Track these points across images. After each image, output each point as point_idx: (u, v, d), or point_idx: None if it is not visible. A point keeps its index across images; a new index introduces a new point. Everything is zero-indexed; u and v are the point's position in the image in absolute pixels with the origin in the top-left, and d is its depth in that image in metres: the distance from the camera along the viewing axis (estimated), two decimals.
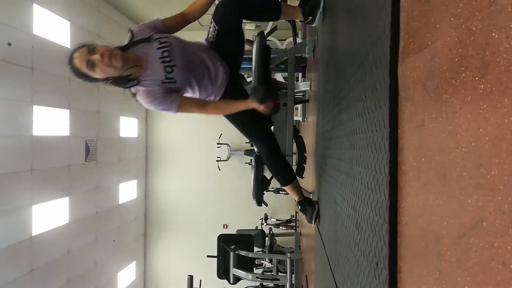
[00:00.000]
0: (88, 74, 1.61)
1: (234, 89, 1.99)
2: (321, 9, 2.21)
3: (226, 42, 2.01)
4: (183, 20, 1.99)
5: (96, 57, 1.52)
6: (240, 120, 2.05)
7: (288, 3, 2.75)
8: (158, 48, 1.73)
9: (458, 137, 0.52)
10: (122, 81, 1.68)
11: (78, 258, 6.62)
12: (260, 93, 1.78)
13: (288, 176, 2.32)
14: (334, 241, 1.55)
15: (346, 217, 1.23)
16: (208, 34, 2.02)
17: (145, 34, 1.77)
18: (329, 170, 1.84)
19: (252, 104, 1.79)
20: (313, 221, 2.33)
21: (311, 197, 2.65)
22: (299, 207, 2.45)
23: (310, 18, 2.27)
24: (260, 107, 1.78)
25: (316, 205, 2.35)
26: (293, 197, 2.49)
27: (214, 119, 9.24)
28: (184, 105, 1.82)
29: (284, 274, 4.38)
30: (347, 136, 1.27)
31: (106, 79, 1.63)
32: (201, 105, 1.90)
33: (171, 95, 1.76)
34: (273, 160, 2.23)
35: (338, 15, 1.59)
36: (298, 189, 2.40)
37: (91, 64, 1.55)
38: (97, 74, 1.59)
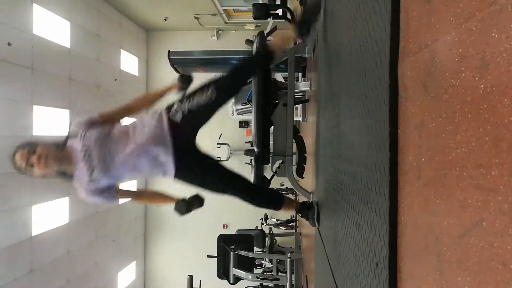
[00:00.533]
0: (27, 171, 1.75)
1: (190, 163, 1.95)
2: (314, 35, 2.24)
3: (189, 132, 1.97)
4: (126, 113, 2.02)
5: (34, 159, 1.69)
6: (205, 186, 2.02)
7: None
8: (82, 147, 1.79)
9: (458, 137, 0.52)
10: (60, 176, 1.83)
11: (78, 258, 6.62)
12: (184, 209, 1.94)
13: (277, 201, 2.28)
14: (334, 241, 1.55)
15: (346, 217, 1.23)
16: (173, 108, 1.89)
17: (78, 129, 1.84)
18: (329, 170, 1.84)
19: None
20: (316, 223, 2.33)
21: (309, 198, 2.65)
22: (300, 215, 2.47)
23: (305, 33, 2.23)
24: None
25: (316, 206, 2.35)
26: (291, 211, 2.51)
27: (214, 119, 9.24)
28: (122, 195, 1.98)
29: (284, 274, 4.38)
30: (347, 136, 1.27)
31: (43, 175, 1.77)
32: (136, 196, 2.11)
33: (104, 192, 1.87)
34: (256, 199, 2.18)
35: (338, 15, 1.59)
36: (291, 203, 2.41)
37: (30, 164, 1.70)
38: (35, 173, 1.74)
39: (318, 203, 2.36)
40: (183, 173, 1.91)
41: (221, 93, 1.89)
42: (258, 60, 2.22)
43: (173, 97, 2.00)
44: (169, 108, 1.90)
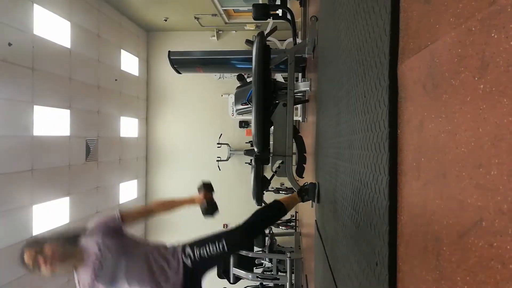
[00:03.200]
0: (36, 272, 1.74)
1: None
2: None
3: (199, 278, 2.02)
4: (146, 214, 2.09)
5: (41, 262, 1.69)
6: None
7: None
8: (95, 254, 1.78)
9: (458, 137, 0.52)
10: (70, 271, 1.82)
11: None
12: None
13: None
14: (334, 241, 1.55)
15: (346, 217, 1.23)
16: (186, 250, 1.96)
17: (96, 231, 1.82)
18: (329, 169, 1.84)
19: None
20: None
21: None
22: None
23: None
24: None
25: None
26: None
27: (214, 119, 9.27)
28: None
29: (284, 274, 4.38)
30: (347, 135, 1.27)
31: (53, 274, 1.76)
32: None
33: None
34: (256, 231, 2.30)
35: (338, 16, 1.59)
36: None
37: (37, 265, 1.71)
38: (44, 273, 1.74)
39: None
40: None
41: (231, 248, 1.99)
42: (271, 216, 2.35)
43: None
44: (183, 248, 1.96)
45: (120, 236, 1.87)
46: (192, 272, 1.92)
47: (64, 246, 1.75)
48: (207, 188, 2.14)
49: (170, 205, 2.12)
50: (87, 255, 1.77)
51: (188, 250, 1.94)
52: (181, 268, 1.89)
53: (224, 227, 9.18)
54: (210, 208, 2.09)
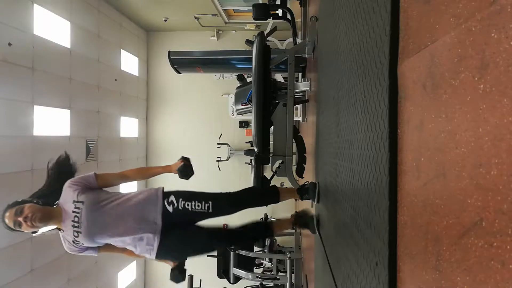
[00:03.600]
0: (16, 229, 1.81)
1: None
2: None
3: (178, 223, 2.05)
4: (122, 180, 2.10)
5: (21, 219, 1.76)
6: (190, 255, 2.14)
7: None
8: (73, 211, 1.87)
9: (458, 137, 0.52)
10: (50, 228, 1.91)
11: (78, 257, 6.61)
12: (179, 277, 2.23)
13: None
14: (334, 241, 1.55)
15: (346, 217, 1.23)
16: (170, 197, 2.02)
17: (71, 190, 1.90)
18: (329, 169, 1.84)
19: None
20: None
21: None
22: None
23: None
24: None
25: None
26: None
27: (214, 119, 9.27)
28: (103, 251, 2.06)
29: (284, 274, 4.38)
30: (347, 135, 1.27)
31: (33, 232, 1.86)
32: (120, 250, 2.09)
33: (86, 249, 2.00)
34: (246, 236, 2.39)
35: (338, 16, 1.59)
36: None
37: (18, 224, 1.78)
38: (24, 230, 1.81)
39: (319, 215, 2.37)
40: (164, 255, 2.02)
41: (215, 212, 2.07)
42: (262, 197, 2.41)
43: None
44: (166, 194, 2.03)
45: (95, 192, 1.94)
46: (171, 218, 1.98)
47: (44, 207, 1.84)
48: (185, 159, 2.16)
49: (147, 171, 2.23)
50: (65, 214, 1.86)
51: (172, 198, 2.00)
52: (160, 209, 1.96)
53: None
54: (185, 170, 2.09)
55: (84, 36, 6.84)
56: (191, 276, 4.89)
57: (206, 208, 2.03)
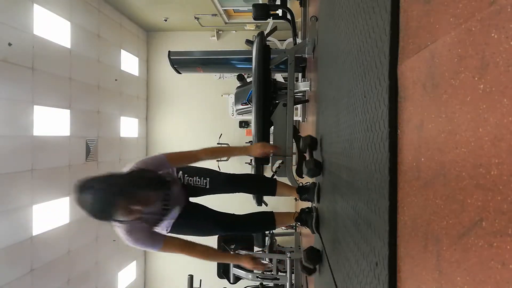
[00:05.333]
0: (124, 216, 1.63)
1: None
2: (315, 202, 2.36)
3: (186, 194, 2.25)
4: (191, 160, 2.09)
5: (136, 207, 1.62)
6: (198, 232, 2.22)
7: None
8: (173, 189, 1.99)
9: (458, 137, 0.52)
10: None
11: (79, 258, 6.62)
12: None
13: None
14: (334, 241, 1.55)
15: (346, 217, 1.23)
16: (179, 173, 2.21)
17: (161, 171, 1.92)
18: (328, 169, 1.84)
19: (243, 261, 2.18)
20: (314, 230, 2.30)
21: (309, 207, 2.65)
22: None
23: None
24: (251, 265, 2.17)
25: (313, 213, 2.33)
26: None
27: (214, 119, 9.26)
28: (168, 244, 1.94)
29: (284, 274, 4.38)
30: (347, 135, 1.27)
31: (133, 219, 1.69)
32: (186, 248, 1.99)
33: (155, 236, 1.91)
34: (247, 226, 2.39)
35: (338, 16, 1.59)
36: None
37: (130, 212, 1.61)
38: (131, 217, 1.65)
39: (317, 209, 2.34)
40: (176, 230, 2.09)
41: (211, 189, 2.23)
42: (259, 184, 2.50)
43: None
44: (177, 171, 2.20)
45: (173, 171, 2.15)
46: (181, 189, 2.17)
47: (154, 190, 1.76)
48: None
49: (218, 153, 2.35)
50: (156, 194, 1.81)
51: (180, 174, 2.21)
52: (180, 185, 2.17)
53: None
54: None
55: (84, 36, 6.84)
56: (191, 276, 4.89)
57: (203, 184, 2.21)
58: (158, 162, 1.90)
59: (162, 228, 2.06)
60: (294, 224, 2.48)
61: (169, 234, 2.06)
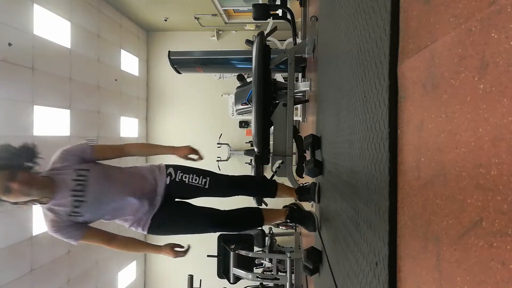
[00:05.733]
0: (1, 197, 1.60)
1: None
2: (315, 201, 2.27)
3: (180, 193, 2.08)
4: (118, 153, 1.97)
5: (15, 186, 1.56)
6: (180, 231, 2.07)
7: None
8: (74, 180, 1.73)
9: (458, 137, 0.52)
10: (31, 202, 1.70)
11: (79, 258, 6.62)
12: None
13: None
14: (334, 241, 1.55)
15: (346, 217, 1.23)
16: (169, 169, 2.04)
17: (67, 162, 1.77)
18: (329, 169, 1.85)
19: (163, 251, 1.99)
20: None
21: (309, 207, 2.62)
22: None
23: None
24: (171, 254, 2.00)
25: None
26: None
27: (214, 119, 9.26)
28: (88, 237, 1.85)
29: (284, 274, 4.38)
30: (347, 135, 1.27)
31: (15, 203, 1.64)
32: (106, 240, 1.93)
33: (74, 227, 1.79)
34: (236, 224, 2.20)
35: (338, 16, 1.59)
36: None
37: (7, 190, 1.56)
38: (10, 199, 1.60)
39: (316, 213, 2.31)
40: (156, 229, 1.97)
41: (210, 189, 2.07)
42: (258, 187, 2.37)
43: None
44: (166, 167, 2.04)
45: (95, 163, 1.87)
46: (168, 190, 1.99)
47: (36, 174, 1.68)
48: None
49: (147, 149, 2.26)
50: (63, 183, 1.70)
51: (171, 170, 2.02)
52: (163, 181, 1.97)
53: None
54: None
55: (84, 36, 6.84)
56: (191, 276, 4.89)
57: (202, 183, 2.05)
58: (78, 150, 1.81)
59: (135, 227, 1.94)
60: (285, 221, 2.31)
61: (130, 233, 1.95)
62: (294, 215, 2.30)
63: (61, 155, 1.78)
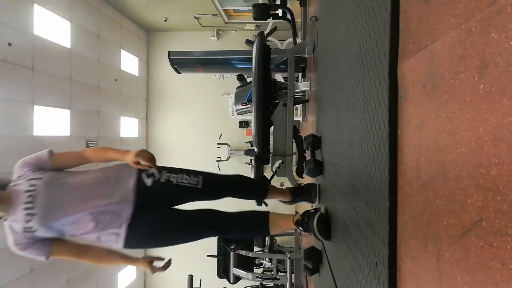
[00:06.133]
0: None
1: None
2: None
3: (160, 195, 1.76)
4: (80, 160, 1.73)
5: None
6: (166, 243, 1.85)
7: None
8: (26, 191, 1.55)
9: (458, 137, 0.52)
10: None
11: None
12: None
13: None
14: (334, 241, 1.55)
15: (345, 217, 1.23)
16: (150, 176, 1.73)
17: (23, 172, 1.61)
18: (329, 169, 1.85)
19: (140, 263, 1.77)
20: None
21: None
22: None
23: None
24: (149, 269, 1.77)
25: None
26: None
27: (214, 119, 9.26)
28: (56, 252, 1.66)
29: (284, 274, 4.38)
30: (347, 135, 1.27)
31: None
32: (78, 253, 1.71)
33: (40, 243, 1.62)
34: (231, 228, 1.88)
35: (338, 16, 1.59)
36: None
37: None
38: None
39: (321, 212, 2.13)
40: (133, 242, 1.71)
41: (204, 189, 1.78)
42: (250, 185, 2.13)
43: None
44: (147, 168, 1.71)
45: (52, 171, 1.65)
46: (148, 194, 1.69)
47: None
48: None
49: (103, 153, 1.77)
50: (17, 195, 1.55)
51: (154, 170, 1.72)
52: (134, 184, 1.67)
53: None
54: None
55: (84, 36, 6.84)
56: (191, 276, 4.89)
57: (194, 183, 1.75)
58: (36, 158, 1.63)
59: (109, 243, 1.67)
60: (295, 229, 1.97)
61: (104, 245, 1.69)
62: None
63: (19, 165, 1.63)
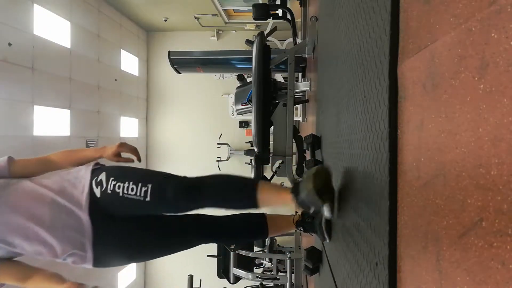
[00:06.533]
0: None
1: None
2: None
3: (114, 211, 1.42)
4: (44, 166, 1.52)
5: None
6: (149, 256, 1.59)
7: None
8: None
9: (458, 137, 0.52)
10: None
11: None
12: None
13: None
14: (334, 241, 1.55)
15: (345, 217, 1.23)
16: (99, 176, 1.40)
17: None
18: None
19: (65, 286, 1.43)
20: (327, 238, 1.60)
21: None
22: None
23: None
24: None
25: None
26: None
27: (214, 119, 9.25)
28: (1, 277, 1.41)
29: (284, 274, 4.38)
30: (347, 135, 1.27)
31: None
32: (21, 278, 1.42)
33: None
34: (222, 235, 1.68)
35: (338, 16, 1.59)
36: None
37: None
38: None
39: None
40: (106, 260, 1.46)
41: (154, 201, 1.36)
42: (235, 192, 1.51)
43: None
44: (98, 171, 1.42)
45: (4, 179, 1.43)
46: (98, 204, 1.37)
47: None
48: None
49: (74, 154, 1.55)
50: None
51: (102, 176, 1.38)
52: (86, 192, 1.38)
53: None
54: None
55: (84, 36, 6.84)
56: (191, 276, 4.89)
57: (141, 194, 1.34)
58: None
59: (75, 263, 1.43)
60: (295, 230, 1.79)
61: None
62: (307, 221, 1.70)
63: None
